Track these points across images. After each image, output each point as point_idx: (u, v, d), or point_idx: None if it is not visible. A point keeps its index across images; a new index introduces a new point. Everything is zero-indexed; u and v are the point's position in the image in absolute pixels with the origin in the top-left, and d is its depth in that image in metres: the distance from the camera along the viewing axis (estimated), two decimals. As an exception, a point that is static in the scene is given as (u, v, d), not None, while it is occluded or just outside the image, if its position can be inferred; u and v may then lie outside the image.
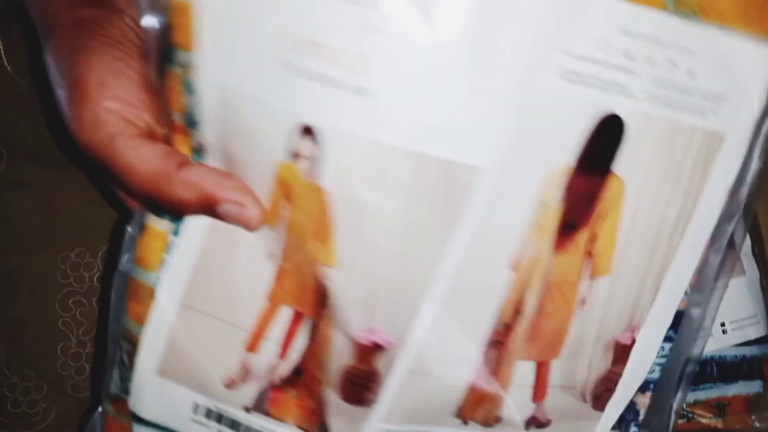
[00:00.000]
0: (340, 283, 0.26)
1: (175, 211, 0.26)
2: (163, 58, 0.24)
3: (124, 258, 0.28)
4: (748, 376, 0.38)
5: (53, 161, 0.38)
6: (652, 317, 0.28)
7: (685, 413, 0.38)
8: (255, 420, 0.28)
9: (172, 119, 0.25)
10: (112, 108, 0.24)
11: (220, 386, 0.28)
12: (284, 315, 0.27)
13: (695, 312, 0.29)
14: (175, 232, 0.27)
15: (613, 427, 0.29)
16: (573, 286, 0.27)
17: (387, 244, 0.25)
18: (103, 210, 0.38)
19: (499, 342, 0.27)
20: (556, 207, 0.25)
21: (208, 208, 0.25)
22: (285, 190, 0.25)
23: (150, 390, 0.28)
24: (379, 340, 0.27)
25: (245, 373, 0.28)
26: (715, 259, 0.28)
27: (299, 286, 0.27)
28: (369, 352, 0.27)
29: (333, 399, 0.27)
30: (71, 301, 0.39)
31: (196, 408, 0.28)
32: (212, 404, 0.28)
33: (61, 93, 0.26)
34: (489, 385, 0.27)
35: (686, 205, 0.26)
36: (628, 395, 0.29)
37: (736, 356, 0.38)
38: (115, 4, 0.26)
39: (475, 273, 0.25)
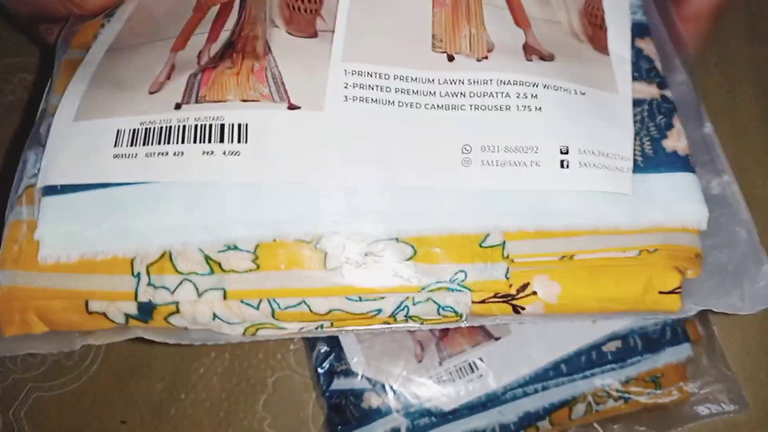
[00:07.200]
0: None
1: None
2: None
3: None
4: (674, 342, 0.36)
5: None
6: None
7: (621, 395, 0.36)
8: (189, 114, 0.24)
9: None
10: None
11: (146, 96, 0.24)
12: (210, 13, 0.26)
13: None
14: (109, 15, 0.28)
15: (638, 78, 0.26)
16: None
17: None
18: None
19: None
20: None
21: None
22: None
23: (65, 143, 0.24)
24: None
25: (171, 69, 0.24)
26: None
27: None
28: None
29: (280, 39, 0.24)
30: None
31: (119, 137, 0.24)
32: (138, 122, 0.24)
33: None
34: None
35: None
36: (623, 34, 0.27)
37: (656, 324, 0.36)
38: None
39: None
